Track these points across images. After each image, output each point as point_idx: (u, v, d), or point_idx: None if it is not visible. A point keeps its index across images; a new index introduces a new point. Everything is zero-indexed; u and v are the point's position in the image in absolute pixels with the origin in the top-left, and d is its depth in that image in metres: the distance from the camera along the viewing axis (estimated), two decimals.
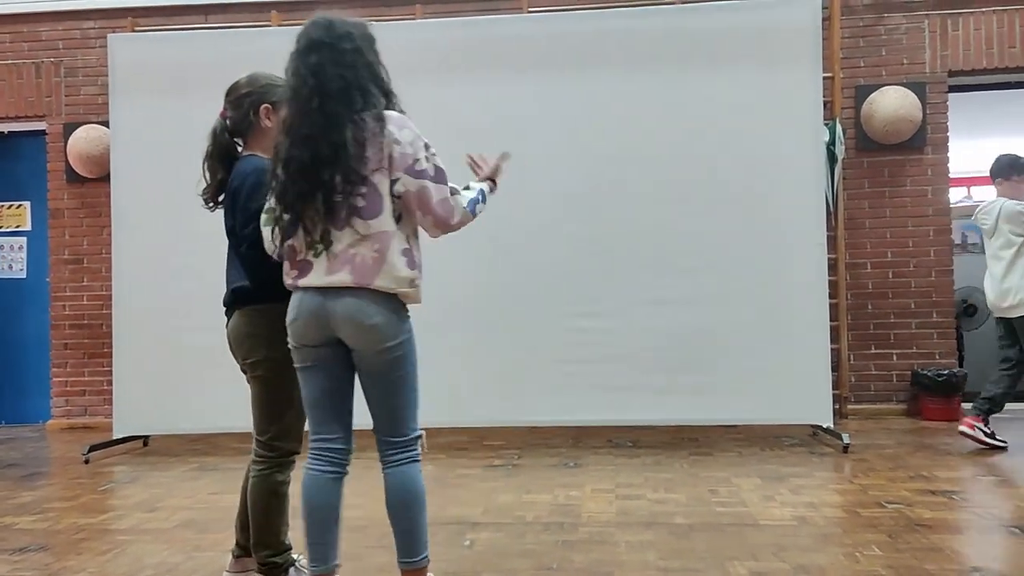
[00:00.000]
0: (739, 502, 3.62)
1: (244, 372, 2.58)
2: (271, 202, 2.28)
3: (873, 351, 5.87)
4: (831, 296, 5.22)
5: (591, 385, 4.88)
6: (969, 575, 2.65)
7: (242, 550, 2.70)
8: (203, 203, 2.59)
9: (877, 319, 5.87)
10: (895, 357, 5.85)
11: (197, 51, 5.20)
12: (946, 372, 5.59)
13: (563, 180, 4.95)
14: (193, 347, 4.84)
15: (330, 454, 2.34)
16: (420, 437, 2.37)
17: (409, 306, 2.34)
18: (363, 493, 3.93)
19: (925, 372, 5.63)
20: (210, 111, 2.60)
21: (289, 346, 2.34)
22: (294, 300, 2.30)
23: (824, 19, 5.20)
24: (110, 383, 5.34)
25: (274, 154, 2.28)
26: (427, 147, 2.28)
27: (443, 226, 2.34)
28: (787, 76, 4.87)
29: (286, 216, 2.23)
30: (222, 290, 2.60)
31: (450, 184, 2.33)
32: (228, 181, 2.51)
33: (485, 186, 2.52)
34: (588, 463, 4.54)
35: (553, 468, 4.44)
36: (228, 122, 2.55)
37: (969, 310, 6.74)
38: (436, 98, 5.02)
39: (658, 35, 4.96)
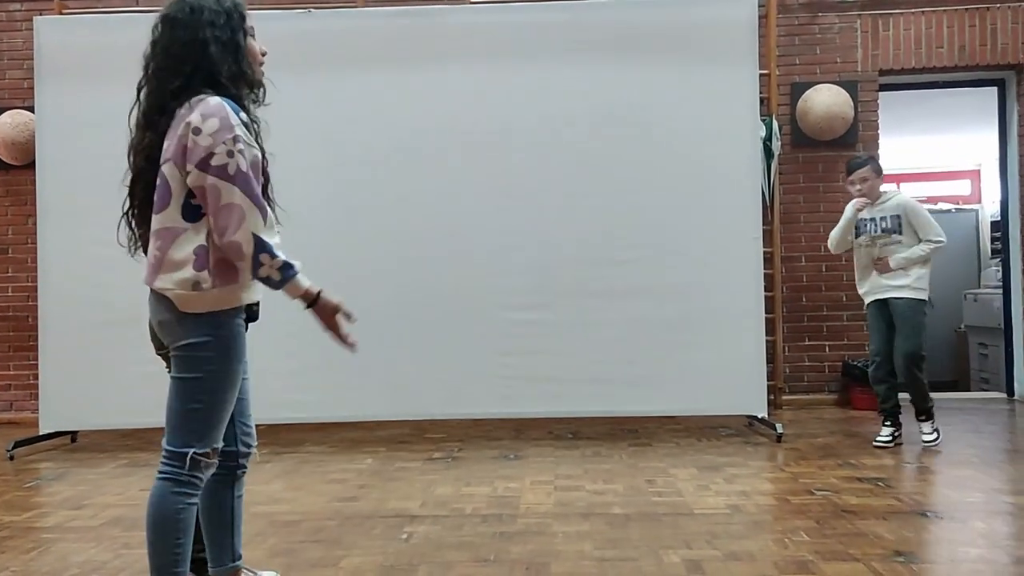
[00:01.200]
0: (675, 492, 3.68)
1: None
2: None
3: (807, 343, 6.02)
4: (767, 289, 5.33)
5: (532, 377, 4.91)
6: (892, 559, 2.73)
7: None
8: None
9: (811, 311, 6.02)
10: (827, 348, 6.01)
11: (127, 36, 4.88)
12: None
13: (501, 172, 4.95)
14: (122, 340, 4.68)
15: None
16: (185, 456, 2.06)
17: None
18: (296, 488, 3.92)
19: (855, 363, 5.79)
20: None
21: None
22: None
23: (761, 17, 5.29)
24: (36, 377, 5.17)
25: None
26: (235, 141, 1.98)
27: (219, 236, 1.99)
28: (725, 72, 4.95)
29: (129, 206, 2.22)
30: None
31: (261, 205, 2.00)
32: None
33: (303, 281, 2.05)
34: (529, 455, 4.56)
35: (494, 460, 4.45)
36: None
37: None
38: (374, 87, 4.99)
39: (597, 29, 4.98)
